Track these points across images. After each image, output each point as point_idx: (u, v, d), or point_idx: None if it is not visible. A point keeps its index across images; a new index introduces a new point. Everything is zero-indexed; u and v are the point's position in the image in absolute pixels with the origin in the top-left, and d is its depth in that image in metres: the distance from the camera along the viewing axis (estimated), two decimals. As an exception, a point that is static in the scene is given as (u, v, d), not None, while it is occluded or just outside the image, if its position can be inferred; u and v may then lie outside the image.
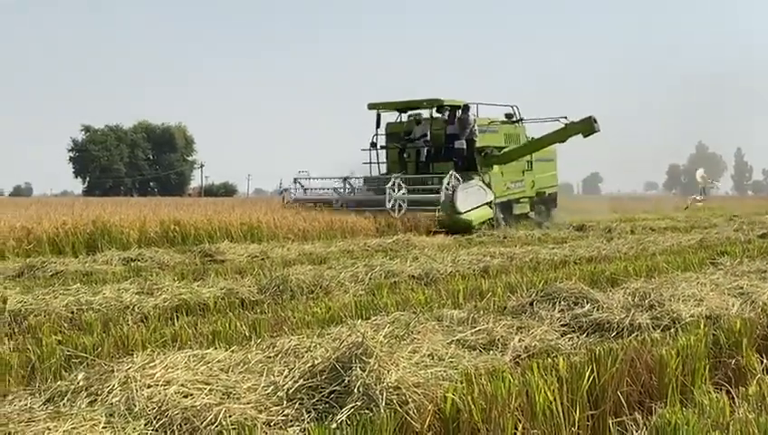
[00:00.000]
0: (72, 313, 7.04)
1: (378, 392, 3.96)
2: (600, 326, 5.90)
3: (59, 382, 4.20)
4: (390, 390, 4.00)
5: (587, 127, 21.87)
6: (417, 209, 19.37)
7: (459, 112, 21.78)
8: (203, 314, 7.28)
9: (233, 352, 4.80)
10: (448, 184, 19.58)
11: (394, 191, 19.47)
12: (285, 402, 4.01)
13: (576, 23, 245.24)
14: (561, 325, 5.95)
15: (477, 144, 21.89)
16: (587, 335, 5.75)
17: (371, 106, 22.50)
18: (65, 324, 6.67)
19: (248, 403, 3.95)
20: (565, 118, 22.05)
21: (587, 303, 6.37)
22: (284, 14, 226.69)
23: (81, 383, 4.07)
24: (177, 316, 7.01)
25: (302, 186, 22.38)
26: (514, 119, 23.74)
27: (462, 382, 4.19)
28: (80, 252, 13.43)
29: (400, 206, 19.37)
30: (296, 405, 3.99)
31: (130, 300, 7.50)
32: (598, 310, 6.21)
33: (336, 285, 8.67)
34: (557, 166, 26.28)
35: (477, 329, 5.59)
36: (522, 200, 23.71)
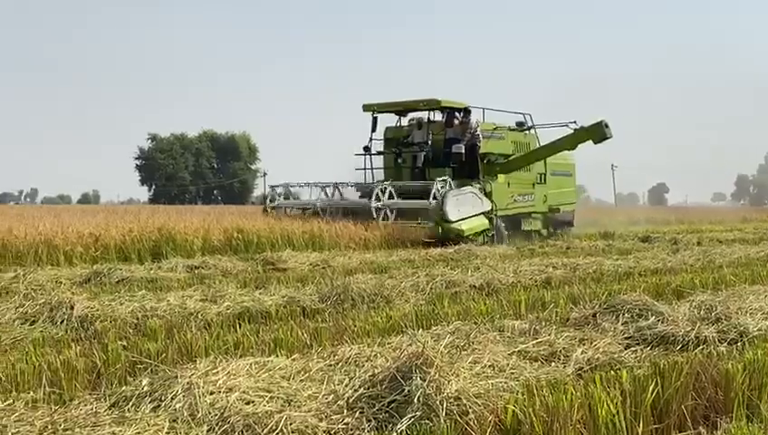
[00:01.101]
0: (138, 319, 7.16)
1: (438, 403, 3.96)
2: (665, 339, 5.81)
3: (124, 388, 4.28)
4: (451, 400, 4.00)
5: (598, 132, 20.55)
6: (407, 220, 18.28)
7: (460, 115, 20.35)
8: (265, 321, 7.34)
9: (294, 359, 4.84)
10: (439, 190, 18.19)
11: (381, 197, 18.41)
12: (346, 411, 4.03)
13: (627, 21, 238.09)
14: (625, 338, 5.87)
15: (480, 150, 20.36)
16: (651, 348, 5.66)
17: (366, 108, 21.03)
18: (130, 330, 6.79)
19: (309, 411, 3.98)
20: (574, 123, 20.88)
21: (651, 315, 6.28)
22: (345, 15, 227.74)
23: (145, 389, 4.14)
24: (240, 324, 7.08)
25: (288, 192, 21.12)
26: (525, 127, 22.39)
27: (523, 394, 4.17)
28: (145, 259, 13.66)
29: (387, 214, 18.31)
30: (356, 414, 4.00)
31: (194, 307, 7.59)
32: (662, 323, 6.11)
33: (397, 294, 8.67)
34: (575, 181, 24.85)
35: (539, 340, 5.55)
36: (533, 215, 22.22)
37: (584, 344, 5.51)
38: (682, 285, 9.19)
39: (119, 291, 8.95)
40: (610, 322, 6.23)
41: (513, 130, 22.17)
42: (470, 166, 20.00)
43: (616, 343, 5.66)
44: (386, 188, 18.71)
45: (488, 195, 19.50)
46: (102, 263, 12.05)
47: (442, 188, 18.25)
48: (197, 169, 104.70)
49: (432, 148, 20.51)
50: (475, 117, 20.36)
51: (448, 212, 17.58)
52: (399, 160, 20.83)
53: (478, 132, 20.17)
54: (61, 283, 9.94)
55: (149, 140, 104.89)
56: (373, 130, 21.02)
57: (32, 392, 4.58)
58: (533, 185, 22.18)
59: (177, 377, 4.18)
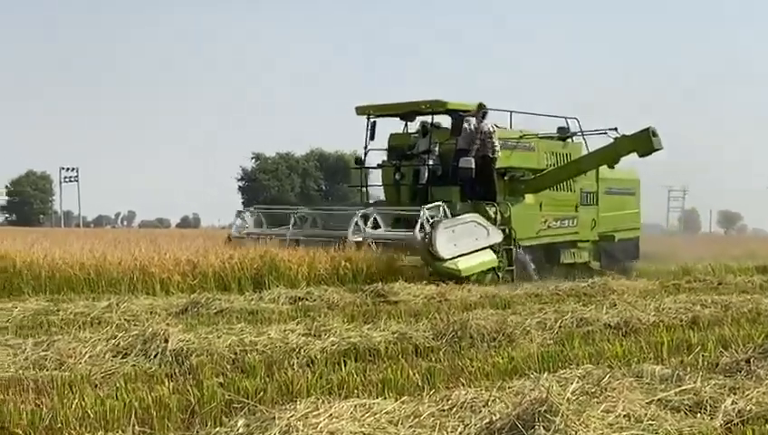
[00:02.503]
0: (236, 354, 7.29)
1: (563, 456, 3.90)
2: (832, 390, 5.58)
3: (218, 428, 4.38)
4: (578, 453, 3.93)
5: (643, 143, 18.02)
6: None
7: (472, 121, 17.57)
8: (373, 359, 7.38)
9: (403, 403, 4.84)
10: (428, 218, 15.94)
11: (362, 227, 16.51)
12: (459, 462, 4.01)
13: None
14: (784, 387, 5.66)
15: (499, 164, 17.81)
16: (815, 400, 5.44)
17: (360, 111, 18.97)
18: (228, 366, 6.91)
19: (418, 461, 3.97)
20: (615, 130, 18.35)
21: (816, 362, 6.05)
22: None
23: (241, 430, 4.22)
24: (345, 361, 7.13)
25: (260, 217, 19.13)
26: (567, 134, 19.64)
27: (662, 449, 4.06)
28: (246, 289, 13.89)
29: (370, 246, 16.13)
30: (471, 466, 3.97)
31: (296, 342, 7.70)
32: (829, 371, 5.88)
33: (521, 332, 8.60)
34: (640, 202, 21.99)
35: (682, 388, 5.42)
36: (579, 245, 19.67)
37: (735, 394, 5.35)
38: None
39: (216, 323, 9.18)
40: (766, 368, 6.03)
41: (546, 137, 19.55)
42: (484, 184, 17.58)
43: (773, 394, 5.47)
44: (370, 214, 16.75)
45: (506, 220, 17.43)
46: (200, 292, 12.30)
47: (433, 215, 16.10)
48: (304, 191, 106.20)
49: (440, 160, 18.17)
50: (489, 121, 17.71)
51: (439, 248, 15.50)
52: (396, 176, 18.51)
53: (493, 140, 17.50)
54: (156, 313, 10.24)
55: (253, 160, 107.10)
56: (371, 138, 18.95)
57: (121, 431, 4.73)
58: (576, 207, 19.62)
59: (275, 418, 4.24)
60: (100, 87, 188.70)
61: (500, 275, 16.63)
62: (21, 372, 6.46)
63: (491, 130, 17.53)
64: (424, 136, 18.38)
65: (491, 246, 16.57)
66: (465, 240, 15.98)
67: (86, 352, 7.08)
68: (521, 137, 18.82)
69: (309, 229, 18.07)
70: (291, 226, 18.03)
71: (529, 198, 18.68)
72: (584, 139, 19.71)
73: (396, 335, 8.19)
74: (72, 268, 13.37)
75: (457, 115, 17.70)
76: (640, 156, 18.42)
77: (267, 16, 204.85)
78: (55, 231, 45.84)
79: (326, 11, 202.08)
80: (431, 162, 18.17)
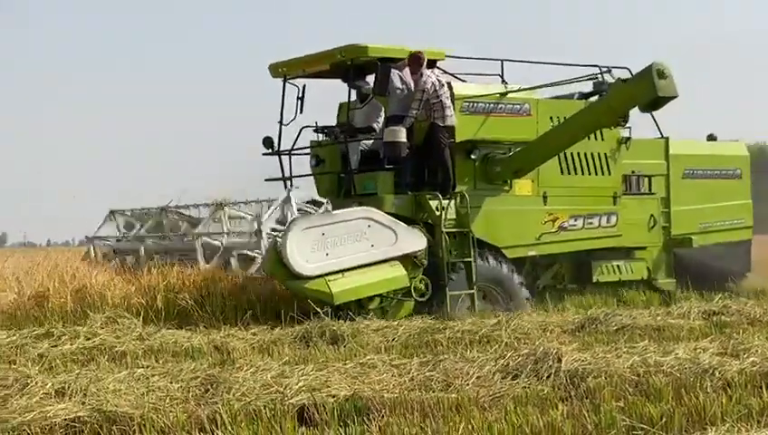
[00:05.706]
0: (638, 375, 7.29)
1: None
2: None
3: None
4: None
5: (642, 88, 13.04)
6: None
7: (408, 74, 13.65)
8: (804, 383, 7.08)
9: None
10: (281, 215, 12.64)
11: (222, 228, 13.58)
12: None
13: None
14: None
15: (461, 136, 13.64)
16: None
17: (275, 71, 14.81)
18: (629, 389, 6.91)
19: None
20: (608, 71, 14.15)
21: None
22: None
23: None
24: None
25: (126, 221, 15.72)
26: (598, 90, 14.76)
27: None
28: (651, 303, 13.83)
29: (206, 254, 13.13)
30: None
31: (709, 362, 7.58)
32: None
33: None
34: (749, 188, 17.18)
35: None
36: (634, 255, 15.46)
37: None
38: None
39: (616, 341, 9.24)
40: None
41: (561, 97, 15.27)
42: (434, 166, 13.66)
43: None
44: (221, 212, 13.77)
45: (463, 217, 13.22)
46: (598, 307, 12.43)
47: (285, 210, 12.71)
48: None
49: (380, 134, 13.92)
50: (432, 73, 13.64)
51: (292, 259, 11.50)
52: (312, 162, 14.94)
53: (442, 100, 13.34)
54: (548, 330, 10.48)
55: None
56: (299, 108, 14.74)
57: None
58: (614, 197, 15.08)
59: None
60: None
61: (428, 301, 12.64)
62: (406, 393, 6.81)
63: (436, 83, 13.43)
64: (361, 101, 14.32)
65: (402, 257, 12.45)
66: (345, 248, 12.04)
67: (473, 373, 7.35)
68: (504, 94, 14.27)
69: (167, 240, 14.73)
70: (144, 232, 15.11)
71: (522, 185, 14.32)
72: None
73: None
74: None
75: (384, 66, 13.54)
76: (643, 110, 13.85)
77: None
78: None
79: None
80: (366, 139, 14.13)
